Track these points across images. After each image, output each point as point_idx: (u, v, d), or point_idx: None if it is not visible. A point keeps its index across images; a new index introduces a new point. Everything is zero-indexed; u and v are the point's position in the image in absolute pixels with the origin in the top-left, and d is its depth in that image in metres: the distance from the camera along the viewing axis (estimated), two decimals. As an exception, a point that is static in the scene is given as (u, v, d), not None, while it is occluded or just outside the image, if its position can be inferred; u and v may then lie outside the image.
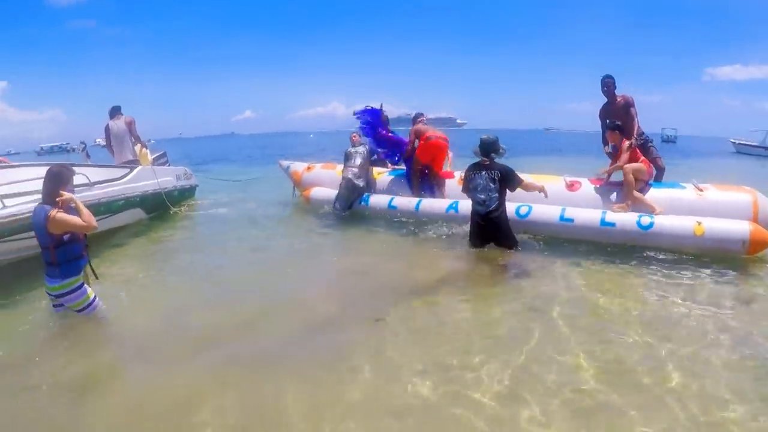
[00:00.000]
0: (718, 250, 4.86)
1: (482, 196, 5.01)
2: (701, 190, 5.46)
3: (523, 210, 5.55)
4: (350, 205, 7.04)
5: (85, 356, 3.21)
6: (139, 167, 7.19)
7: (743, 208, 5.14)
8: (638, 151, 5.72)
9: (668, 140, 50.41)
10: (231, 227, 7.08)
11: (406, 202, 6.70)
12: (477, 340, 3.29)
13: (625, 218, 5.24)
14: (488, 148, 5.22)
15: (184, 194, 8.63)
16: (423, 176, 6.93)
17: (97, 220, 4.83)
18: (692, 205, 5.32)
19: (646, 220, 5.10)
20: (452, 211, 6.17)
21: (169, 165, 9.19)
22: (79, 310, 3.43)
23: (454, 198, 6.39)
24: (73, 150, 63.19)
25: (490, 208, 4.98)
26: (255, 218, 7.56)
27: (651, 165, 5.76)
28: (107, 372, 3.10)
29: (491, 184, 5.01)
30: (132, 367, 3.17)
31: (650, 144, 6.17)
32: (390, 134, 7.74)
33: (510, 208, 5.32)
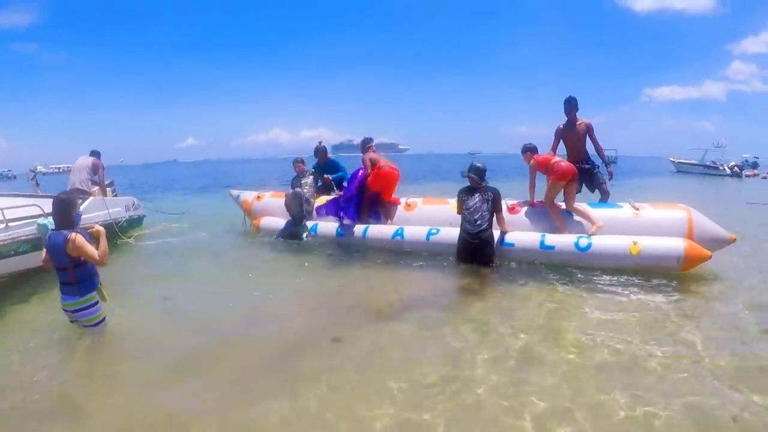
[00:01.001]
0: (655, 268, 5.10)
1: (476, 216, 5.41)
2: (637, 209, 5.60)
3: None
4: (301, 219, 7.44)
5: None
6: (90, 198, 7.28)
7: (679, 225, 5.30)
8: (547, 158, 5.92)
9: (609, 161, 53.28)
10: (184, 256, 7.13)
11: (353, 229, 6.96)
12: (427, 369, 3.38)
13: (562, 240, 5.51)
14: (482, 173, 5.70)
15: (132, 224, 8.72)
16: (371, 203, 7.19)
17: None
18: (629, 224, 5.49)
19: (584, 241, 5.36)
20: (398, 237, 6.51)
21: (116, 194, 9.19)
22: (93, 325, 3.77)
23: (400, 224, 6.72)
24: (15, 177, 59.76)
25: (482, 228, 5.37)
26: (207, 247, 7.67)
27: (564, 164, 5.83)
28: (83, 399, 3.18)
29: (484, 205, 5.45)
30: (112, 393, 3.26)
31: (596, 171, 6.40)
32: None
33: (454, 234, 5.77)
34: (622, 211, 5.69)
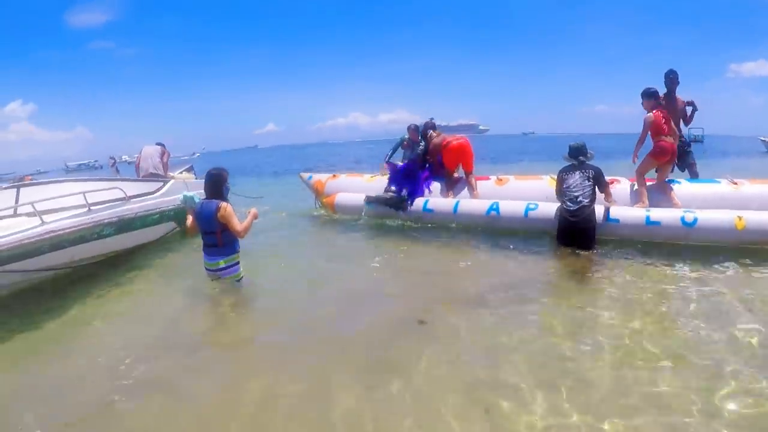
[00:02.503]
0: (760, 242, 4.84)
1: (577, 193, 5.27)
2: (736, 183, 5.53)
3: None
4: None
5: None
6: (172, 181, 7.22)
7: None
8: (661, 120, 5.59)
9: (695, 140, 48.84)
10: (269, 238, 6.87)
11: (442, 203, 6.70)
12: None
13: (668, 215, 5.24)
14: (577, 152, 5.55)
15: None
16: (456, 181, 7.00)
17: (132, 234, 5.53)
18: (729, 198, 5.37)
19: (689, 216, 5.11)
20: (493, 213, 6.19)
21: (196, 178, 9.26)
22: (237, 280, 4.26)
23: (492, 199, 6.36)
24: (101, 167, 64.20)
25: (583, 204, 5.21)
26: (287, 228, 7.52)
27: (667, 143, 5.60)
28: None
29: (586, 182, 5.31)
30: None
31: (688, 148, 6.20)
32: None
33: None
34: (721, 187, 5.58)
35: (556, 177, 5.71)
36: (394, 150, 8.19)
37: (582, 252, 5.13)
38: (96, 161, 69.98)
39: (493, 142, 56.77)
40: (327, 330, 3.72)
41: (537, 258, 5.21)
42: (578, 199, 5.24)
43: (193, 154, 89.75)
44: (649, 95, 5.71)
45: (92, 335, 3.86)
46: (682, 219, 5.11)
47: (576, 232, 5.22)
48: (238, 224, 4.05)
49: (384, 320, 3.80)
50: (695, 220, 5.06)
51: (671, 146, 5.62)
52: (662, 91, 6.01)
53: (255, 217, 4.23)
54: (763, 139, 31.44)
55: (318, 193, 8.51)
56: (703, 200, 5.42)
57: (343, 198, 7.81)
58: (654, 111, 5.61)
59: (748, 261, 4.57)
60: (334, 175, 8.49)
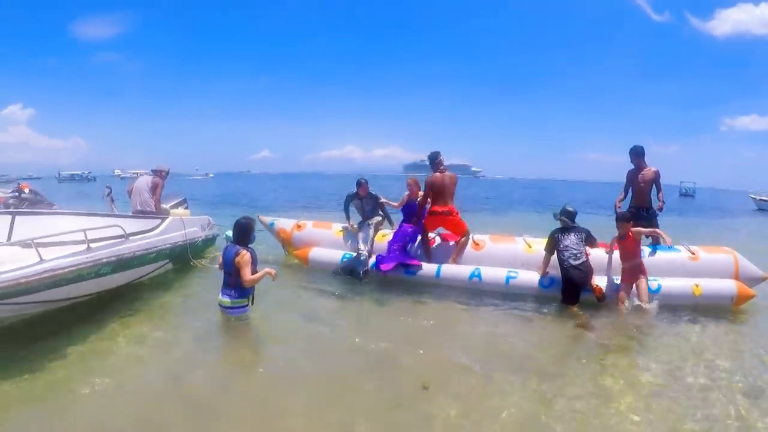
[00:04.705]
0: (712, 305, 5.76)
1: (576, 251, 5.82)
2: (694, 253, 6.18)
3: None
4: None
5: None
6: (170, 218, 7.11)
7: (728, 267, 6.02)
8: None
9: (686, 194, 48.94)
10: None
11: (424, 269, 6.72)
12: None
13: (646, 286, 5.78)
14: (572, 215, 6.17)
15: (207, 244, 8.61)
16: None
17: (128, 272, 5.78)
18: (687, 265, 6.10)
19: (654, 284, 5.83)
20: (475, 279, 6.41)
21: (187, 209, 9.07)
22: (243, 321, 4.78)
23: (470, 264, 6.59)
24: (94, 179, 63.07)
25: (583, 260, 5.78)
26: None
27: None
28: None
29: (580, 243, 5.91)
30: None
31: (654, 219, 6.62)
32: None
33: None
34: (680, 255, 6.22)
35: (548, 238, 6.18)
36: (347, 208, 7.70)
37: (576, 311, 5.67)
38: (89, 173, 69.03)
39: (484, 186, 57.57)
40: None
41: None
42: (578, 256, 5.79)
43: (206, 174, 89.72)
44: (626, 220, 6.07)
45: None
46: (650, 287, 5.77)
47: (582, 283, 5.76)
48: (248, 273, 4.57)
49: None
50: (659, 287, 5.84)
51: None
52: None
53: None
54: (753, 196, 32.01)
55: (285, 243, 8.20)
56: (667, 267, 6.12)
57: (318, 254, 7.59)
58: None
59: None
60: (299, 225, 8.09)
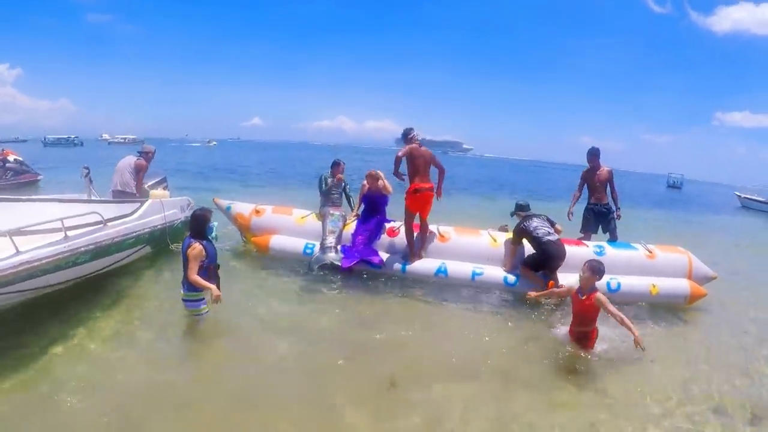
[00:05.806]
0: (666, 304, 6.23)
1: (546, 229, 6.20)
2: (651, 252, 6.55)
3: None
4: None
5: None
6: (149, 201, 6.99)
7: (682, 266, 6.45)
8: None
9: (674, 185, 49.85)
10: (240, 267, 6.98)
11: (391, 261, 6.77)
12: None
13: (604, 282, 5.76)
14: (527, 206, 6.64)
15: (186, 226, 8.56)
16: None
17: (106, 258, 5.76)
18: (644, 264, 6.45)
19: (614, 283, 6.11)
20: (441, 275, 6.58)
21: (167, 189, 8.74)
22: (195, 315, 4.72)
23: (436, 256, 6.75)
24: (82, 144, 61.53)
25: (556, 237, 6.16)
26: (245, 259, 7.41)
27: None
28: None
29: (546, 222, 6.32)
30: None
31: (611, 215, 7.19)
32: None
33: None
34: (638, 253, 6.56)
35: (513, 231, 6.52)
36: (326, 191, 7.21)
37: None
38: (76, 137, 66.83)
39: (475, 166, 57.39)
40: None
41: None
42: (550, 233, 6.17)
43: (209, 141, 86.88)
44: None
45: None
46: (608, 285, 6.01)
47: (560, 257, 6.05)
48: (193, 270, 4.47)
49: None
50: (619, 285, 6.16)
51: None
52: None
53: (213, 294, 4.52)
54: (738, 194, 32.17)
55: (243, 229, 7.87)
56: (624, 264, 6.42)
57: (279, 242, 7.35)
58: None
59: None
60: (258, 210, 7.73)
